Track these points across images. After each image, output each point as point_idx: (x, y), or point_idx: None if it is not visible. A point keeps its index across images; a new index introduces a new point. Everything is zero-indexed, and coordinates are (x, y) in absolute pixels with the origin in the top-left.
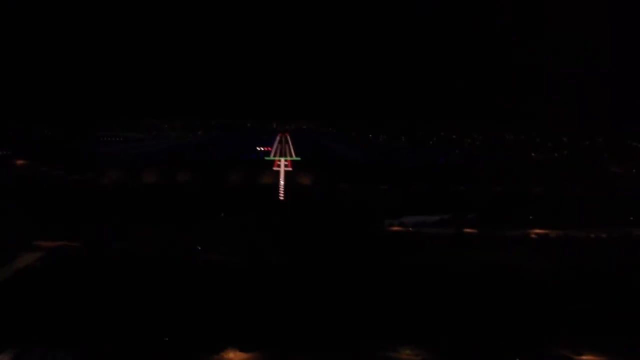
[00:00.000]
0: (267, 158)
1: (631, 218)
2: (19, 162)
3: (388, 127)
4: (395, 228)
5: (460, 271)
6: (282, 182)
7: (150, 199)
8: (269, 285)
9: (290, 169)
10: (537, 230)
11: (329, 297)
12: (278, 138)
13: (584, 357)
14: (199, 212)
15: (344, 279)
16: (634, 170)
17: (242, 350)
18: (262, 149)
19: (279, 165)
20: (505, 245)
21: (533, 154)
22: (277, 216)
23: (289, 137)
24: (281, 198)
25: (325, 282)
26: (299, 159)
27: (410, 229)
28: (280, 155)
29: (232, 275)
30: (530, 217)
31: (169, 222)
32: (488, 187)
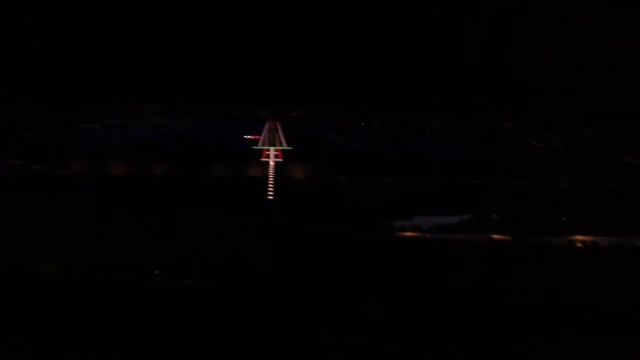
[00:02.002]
0: (255, 147)
1: None
2: None
3: (380, 115)
4: (409, 233)
5: (517, 307)
6: (271, 176)
7: (113, 195)
8: (249, 330)
9: (280, 159)
10: (580, 237)
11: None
12: (267, 125)
13: None
14: (168, 213)
15: (349, 318)
16: None
17: None
18: (250, 137)
19: (268, 156)
20: (554, 260)
21: (535, 144)
22: (264, 221)
23: (279, 125)
24: (270, 197)
25: (325, 324)
26: (290, 148)
27: (428, 235)
28: (270, 145)
29: (197, 315)
30: (564, 218)
31: (127, 229)
32: (505, 180)
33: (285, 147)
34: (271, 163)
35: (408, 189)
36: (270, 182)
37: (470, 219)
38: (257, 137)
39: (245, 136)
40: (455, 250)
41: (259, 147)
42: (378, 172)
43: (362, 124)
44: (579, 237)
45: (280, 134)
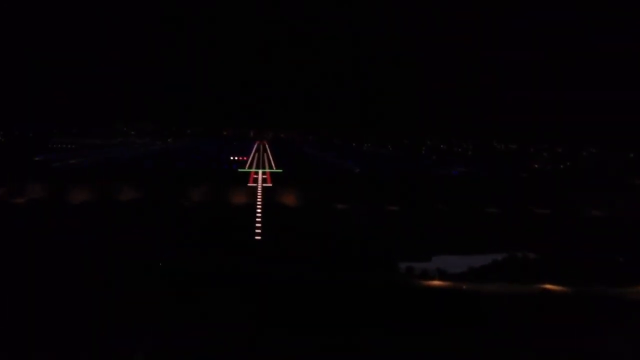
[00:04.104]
0: (241, 170)
1: None
2: None
3: (369, 135)
4: (436, 282)
5: None
6: (259, 206)
7: (63, 230)
8: None
9: (270, 184)
10: None
11: None
12: (255, 146)
13: None
14: (124, 258)
15: None
16: None
17: None
18: (237, 158)
19: (255, 180)
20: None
21: (536, 165)
22: (247, 273)
23: (267, 146)
24: (257, 237)
25: None
26: (280, 170)
27: (464, 286)
28: (258, 167)
29: None
30: (620, 259)
31: (62, 284)
32: (526, 208)
33: (275, 170)
34: (259, 188)
35: (419, 218)
36: (258, 214)
37: (505, 260)
38: (243, 158)
39: (231, 157)
40: (502, 307)
41: (246, 169)
42: (381, 198)
43: (353, 144)
44: None
45: (269, 155)
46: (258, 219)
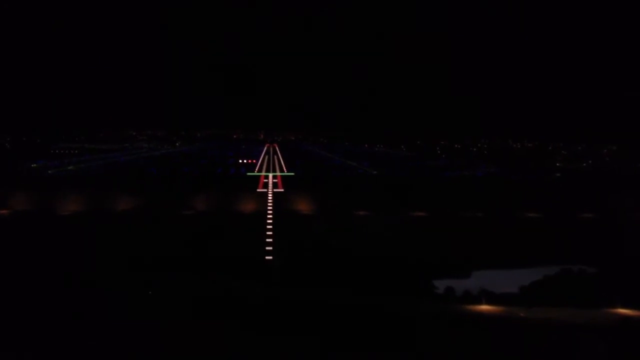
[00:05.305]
0: (250, 174)
1: None
2: None
3: (379, 136)
4: (484, 307)
5: None
6: (269, 217)
7: (49, 244)
8: None
9: (281, 189)
10: None
11: None
12: (265, 149)
13: None
14: (107, 283)
15: None
16: None
17: None
18: (245, 161)
19: (265, 185)
20: None
21: (558, 164)
22: (255, 312)
23: (278, 149)
24: (268, 256)
25: None
26: (292, 174)
27: (521, 313)
28: (268, 171)
29: None
30: None
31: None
32: (566, 212)
33: (286, 173)
34: (269, 194)
35: (450, 226)
36: (269, 226)
37: (560, 276)
38: (252, 160)
39: (240, 160)
40: (581, 344)
41: (255, 173)
42: (405, 203)
43: (366, 145)
44: None
45: (280, 157)
46: (269, 233)
